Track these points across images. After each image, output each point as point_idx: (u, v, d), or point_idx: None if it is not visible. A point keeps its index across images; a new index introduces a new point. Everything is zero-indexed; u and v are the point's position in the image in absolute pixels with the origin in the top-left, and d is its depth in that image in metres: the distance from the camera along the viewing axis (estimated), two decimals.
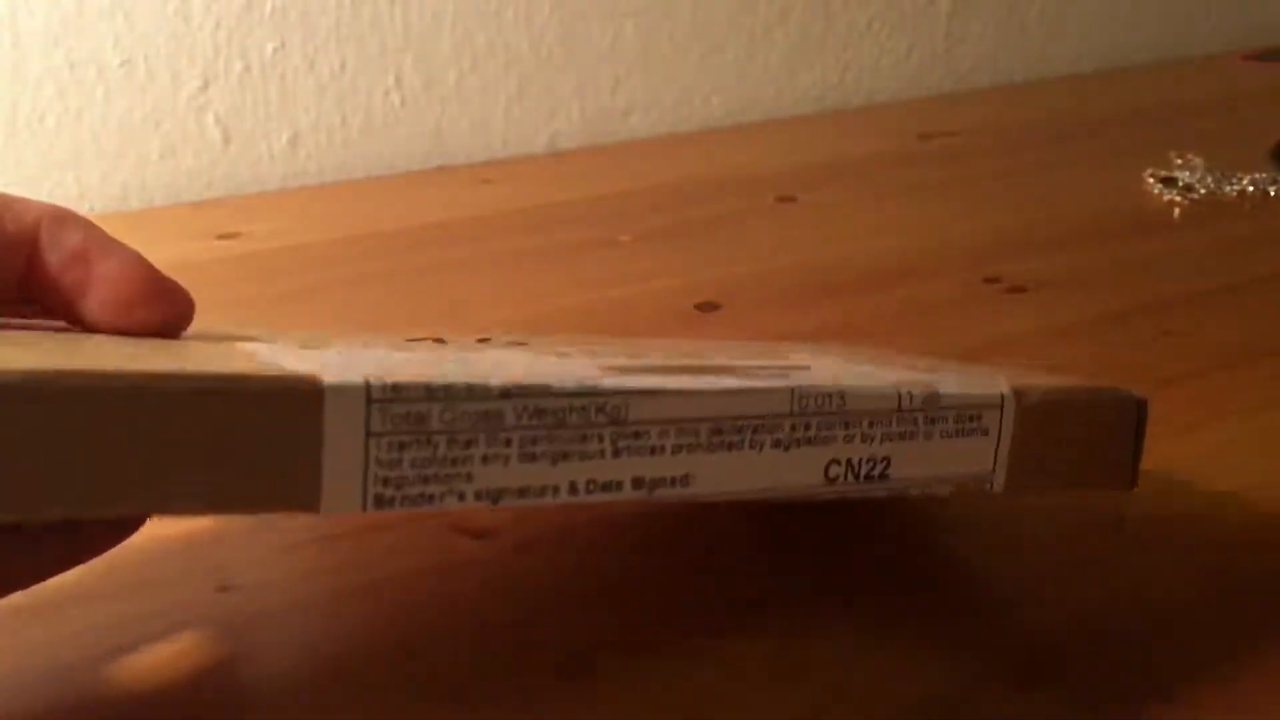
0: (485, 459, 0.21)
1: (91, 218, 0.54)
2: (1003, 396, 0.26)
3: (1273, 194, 0.54)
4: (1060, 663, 0.27)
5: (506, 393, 0.21)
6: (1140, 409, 0.28)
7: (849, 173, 0.57)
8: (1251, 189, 0.54)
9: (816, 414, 0.25)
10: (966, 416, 0.26)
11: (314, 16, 0.54)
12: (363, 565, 0.33)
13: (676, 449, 0.23)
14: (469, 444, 0.21)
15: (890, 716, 0.25)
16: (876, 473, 0.26)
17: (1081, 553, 0.31)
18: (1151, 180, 0.55)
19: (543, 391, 0.22)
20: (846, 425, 0.25)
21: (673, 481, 0.23)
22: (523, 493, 0.22)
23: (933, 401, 0.26)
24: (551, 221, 0.51)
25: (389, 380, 0.20)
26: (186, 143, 0.54)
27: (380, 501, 0.20)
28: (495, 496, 0.21)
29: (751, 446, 0.24)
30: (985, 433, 0.26)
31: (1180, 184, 0.55)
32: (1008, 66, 0.71)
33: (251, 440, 0.19)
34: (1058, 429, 0.27)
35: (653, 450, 0.23)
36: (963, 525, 0.31)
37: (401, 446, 0.20)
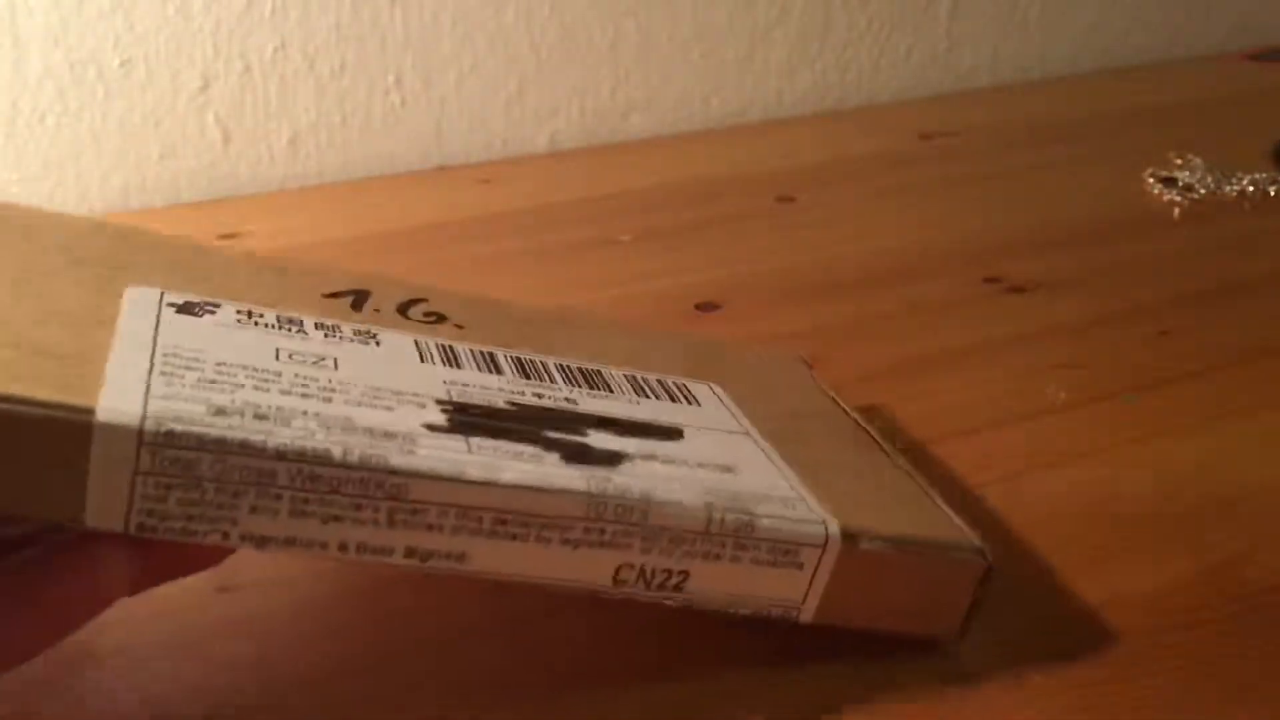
0: (254, 509, 0.21)
1: (92, 218, 0.54)
2: (826, 538, 0.25)
3: (1273, 194, 0.54)
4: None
5: (282, 455, 0.21)
6: (986, 569, 0.26)
7: (849, 173, 0.57)
8: (1251, 189, 0.54)
9: (614, 522, 0.23)
10: (781, 549, 0.25)
11: (314, 17, 0.54)
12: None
13: (456, 530, 0.23)
14: (238, 494, 0.21)
15: None
16: (671, 584, 0.24)
17: (1085, 552, 0.31)
18: (1151, 180, 0.55)
19: (322, 459, 0.21)
20: (645, 538, 0.24)
21: (448, 556, 0.23)
22: (290, 542, 0.22)
23: (745, 530, 0.24)
24: (551, 221, 0.51)
25: (164, 426, 0.20)
26: (186, 143, 0.54)
27: (143, 529, 0.21)
28: (260, 542, 0.22)
29: (537, 540, 0.23)
30: (800, 567, 0.25)
31: (1180, 184, 0.55)
32: (1008, 66, 0.71)
33: (23, 454, 0.20)
34: (887, 574, 0.26)
35: (430, 527, 0.22)
36: None
37: (168, 487, 0.21)
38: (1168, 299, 0.45)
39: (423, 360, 0.26)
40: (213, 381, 0.22)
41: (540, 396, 0.26)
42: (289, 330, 0.26)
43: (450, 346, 0.28)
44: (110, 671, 0.30)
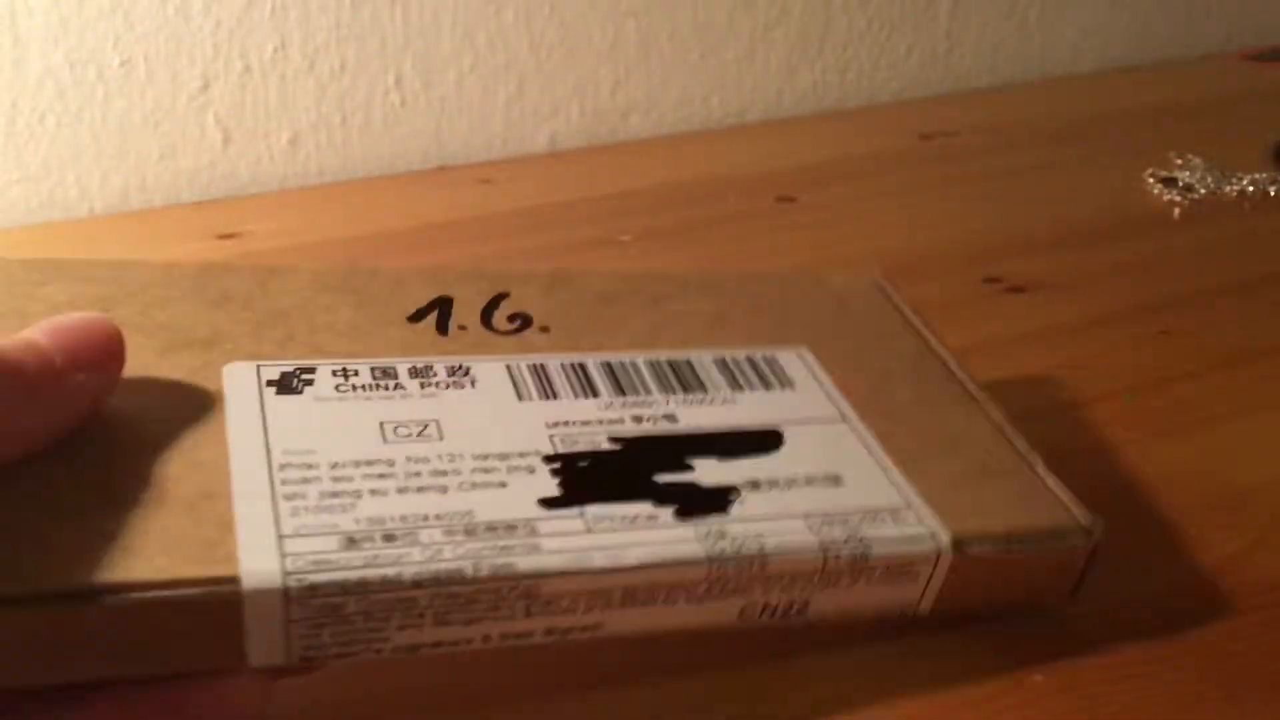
0: (401, 627, 0.22)
1: (91, 218, 0.54)
2: (939, 553, 0.25)
3: (1273, 194, 0.54)
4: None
5: (419, 583, 0.22)
6: (1094, 547, 0.27)
7: (849, 173, 0.57)
8: (1252, 189, 0.54)
9: (734, 578, 0.24)
10: (896, 569, 0.25)
11: (314, 16, 0.54)
12: None
13: (588, 609, 0.23)
14: (384, 619, 0.22)
15: None
16: (793, 611, 0.25)
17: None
18: (1152, 180, 0.55)
19: (456, 579, 0.22)
20: (765, 583, 0.24)
21: (584, 629, 0.24)
22: (437, 645, 0.23)
23: (861, 560, 0.25)
24: (551, 221, 0.51)
25: (304, 581, 0.21)
26: (186, 143, 0.54)
27: (305, 659, 0.22)
28: (411, 650, 0.23)
29: (664, 603, 0.24)
30: (914, 579, 0.26)
31: (1180, 184, 0.55)
32: (1008, 66, 0.71)
33: (179, 626, 0.21)
34: (998, 568, 0.26)
35: (565, 610, 0.23)
36: None
37: (320, 625, 0.22)
38: (1168, 299, 0.45)
39: (520, 398, 0.27)
40: (335, 496, 0.23)
41: (639, 420, 0.27)
42: (387, 389, 0.26)
43: (542, 368, 0.28)
44: None
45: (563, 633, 0.24)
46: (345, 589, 0.21)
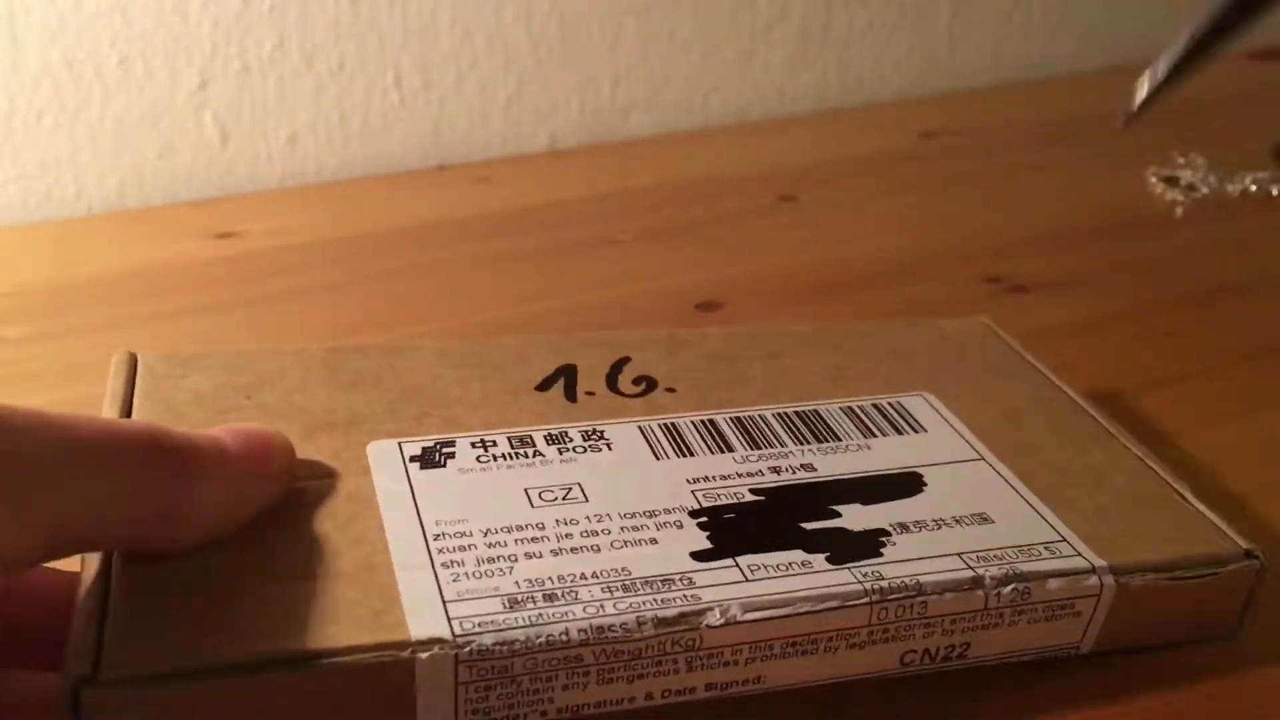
0: (565, 687, 0.23)
1: (89, 217, 0.54)
2: (1101, 587, 0.25)
3: (1275, 193, 0.54)
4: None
5: (584, 641, 0.22)
6: (1259, 570, 0.26)
7: (850, 172, 0.57)
8: (1254, 188, 0.54)
9: (895, 621, 0.24)
10: (1058, 604, 0.25)
11: (312, 15, 0.54)
12: None
13: (750, 659, 0.23)
14: (550, 679, 0.22)
15: None
16: (955, 655, 0.25)
17: None
18: (1154, 179, 0.55)
19: (622, 638, 0.22)
20: (926, 624, 0.24)
21: (744, 682, 0.24)
22: (600, 705, 0.23)
23: (1022, 598, 0.24)
24: (551, 221, 0.51)
25: (475, 644, 0.22)
26: (184, 141, 0.54)
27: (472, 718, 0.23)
28: (575, 711, 0.23)
29: (826, 650, 0.24)
30: (1077, 615, 0.25)
31: (1183, 183, 0.54)
32: (1010, 65, 0.71)
33: (353, 696, 0.21)
34: (1161, 600, 0.26)
35: (726, 663, 0.23)
36: None
37: (489, 688, 0.22)
38: (1170, 298, 0.44)
39: (657, 457, 0.27)
40: (491, 561, 0.23)
41: (778, 472, 0.27)
42: (527, 457, 0.27)
43: (674, 426, 0.28)
44: None
45: (723, 687, 0.24)
46: (513, 650, 0.22)
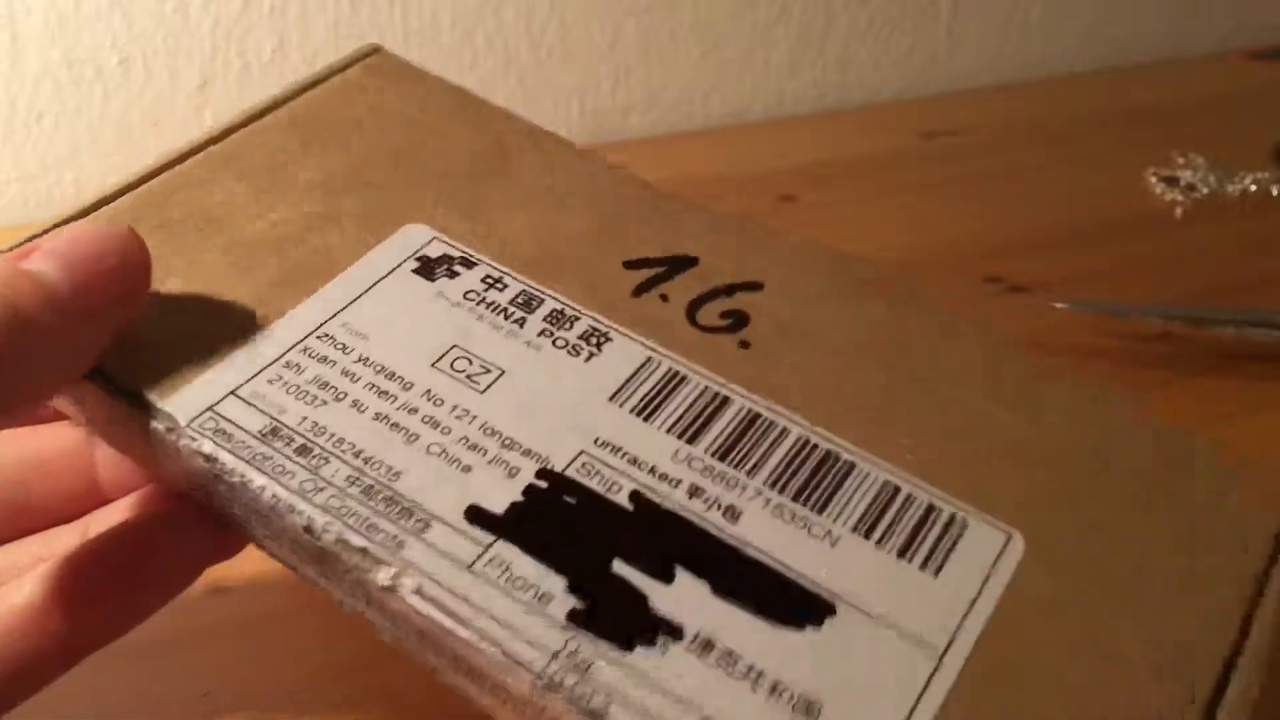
0: (267, 537, 0.22)
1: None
2: None
3: (1275, 193, 0.54)
4: None
5: (273, 509, 0.21)
6: None
7: (850, 172, 0.57)
8: (1254, 188, 0.54)
9: None
10: None
11: (313, 15, 0.54)
12: None
13: (420, 641, 0.20)
14: (251, 519, 0.22)
15: None
16: None
17: None
18: (1153, 179, 0.55)
19: (298, 532, 0.21)
20: None
21: (419, 656, 0.21)
22: (304, 577, 0.22)
23: None
24: None
25: (192, 447, 0.21)
26: (185, 142, 0.54)
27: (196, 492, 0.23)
28: (276, 558, 0.23)
29: (492, 694, 0.20)
30: None
31: (1182, 183, 0.54)
32: (1010, 65, 0.71)
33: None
34: None
35: (402, 625, 0.21)
36: None
37: (205, 481, 0.22)
38: (1170, 299, 0.44)
39: (613, 398, 0.22)
40: (322, 387, 0.22)
41: (695, 496, 0.21)
42: (507, 316, 0.23)
43: (677, 381, 0.23)
44: (105, 671, 0.30)
45: (406, 653, 0.21)
46: (216, 472, 0.21)
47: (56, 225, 0.25)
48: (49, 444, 0.26)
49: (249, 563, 0.32)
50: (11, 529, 0.25)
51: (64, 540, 0.23)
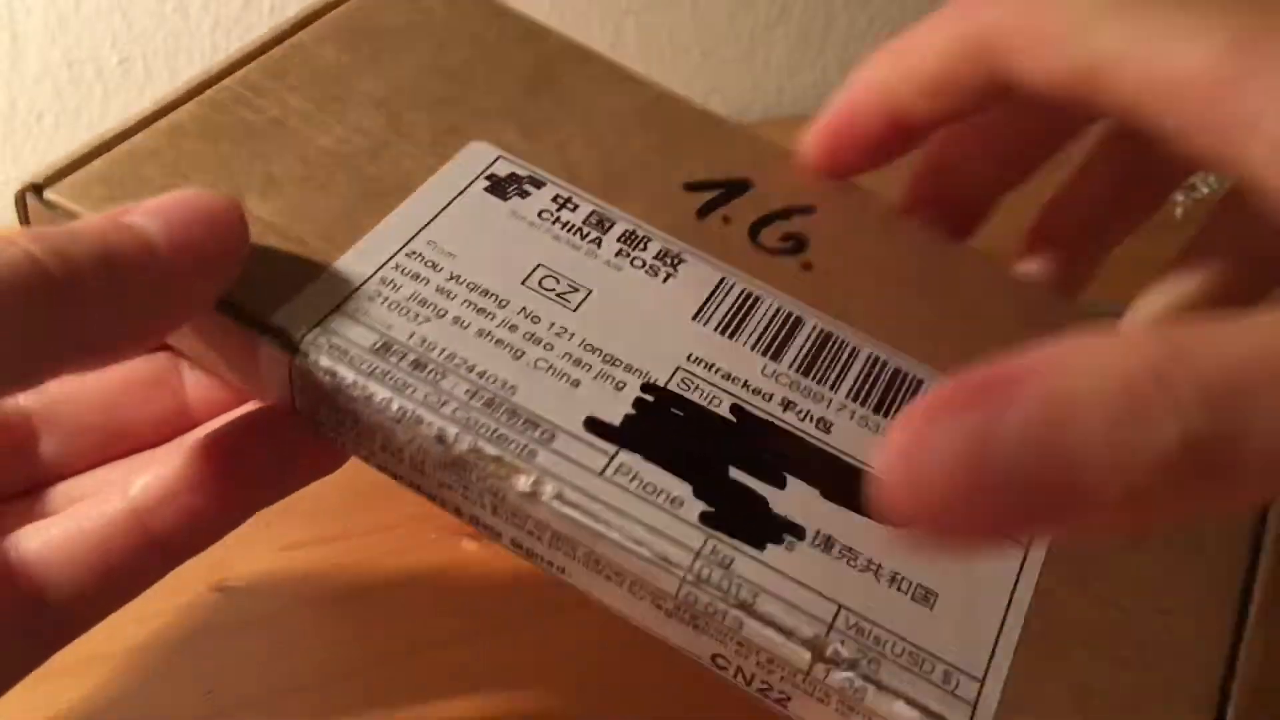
0: (384, 449, 0.22)
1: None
2: None
3: None
4: None
5: (399, 420, 0.21)
6: None
7: None
8: None
9: (705, 615, 0.20)
10: None
11: None
12: (361, 566, 0.33)
13: (553, 545, 0.21)
14: (371, 436, 0.22)
15: None
16: (773, 697, 0.21)
17: None
18: None
19: (430, 442, 0.21)
20: (740, 644, 0.20)
21: (549, 564, 0.22)
22: (416, 487, 0.22)
23: (856, 694, 0.20)
24: None
25: (307, 363, 0.21)
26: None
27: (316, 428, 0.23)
28: (392, 475, 0.22)
29: (629, 591, 0.21)
30: None
31: (1183, 183, 0.54)
32: None
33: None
34: None
35: (530, 532, 0.21)
36: None
37: (315, 399, 0.22)
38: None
39: (696, 317, 0.23)
40: (422, 304, 0.22)
41: (788, 408, 0.22)
42: (583, 235, 0.24)
43: (752, 302, 0.24)
44: (107, 669, 0.30)
45: (528, 554, 0.22)
46: (336, 385, 0.21)
47: (118, 135, 0.26)
48: (137, 369, 0.26)
49: (250, 563, 0.32)
50: (104, 454, 0.25)
51: (158, 461, 0.23)
